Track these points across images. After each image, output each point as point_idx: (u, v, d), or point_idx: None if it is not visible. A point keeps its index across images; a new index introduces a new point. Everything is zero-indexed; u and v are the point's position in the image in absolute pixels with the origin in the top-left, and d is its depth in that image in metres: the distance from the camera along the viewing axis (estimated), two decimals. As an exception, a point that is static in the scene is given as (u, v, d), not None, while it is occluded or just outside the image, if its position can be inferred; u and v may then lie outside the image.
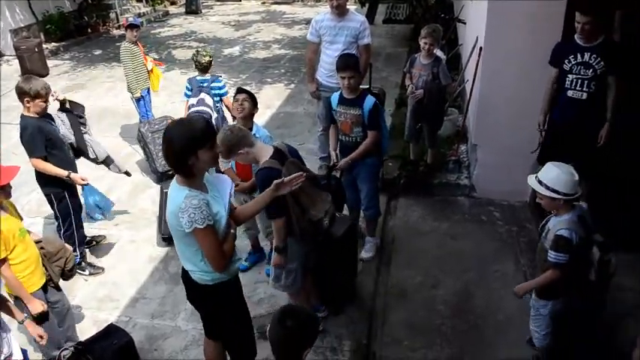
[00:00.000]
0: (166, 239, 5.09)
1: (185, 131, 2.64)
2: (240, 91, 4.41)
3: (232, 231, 2.93)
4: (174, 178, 2.79)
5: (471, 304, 4.25)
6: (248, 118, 4.25)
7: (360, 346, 3.91)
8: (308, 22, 5.83)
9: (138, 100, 6.84)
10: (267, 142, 4.15)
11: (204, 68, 5.68)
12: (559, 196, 3.06)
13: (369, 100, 4.25)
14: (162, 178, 6.05)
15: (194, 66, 5.77)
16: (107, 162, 5.01)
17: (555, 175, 3.06)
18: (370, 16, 12.06)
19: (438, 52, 5.51)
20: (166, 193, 5.22)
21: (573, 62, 4.29)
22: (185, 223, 2.64)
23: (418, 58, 5.36)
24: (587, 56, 4.24)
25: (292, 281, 3.76)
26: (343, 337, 3.98)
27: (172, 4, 18.52)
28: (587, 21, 4.09)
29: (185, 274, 3.04)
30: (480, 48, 5.25)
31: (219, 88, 5.75)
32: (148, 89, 6.98)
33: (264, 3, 18.71)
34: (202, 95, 5.60)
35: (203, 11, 17.20)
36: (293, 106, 8.53)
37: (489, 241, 4.96)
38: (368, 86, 6.32)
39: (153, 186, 6.22)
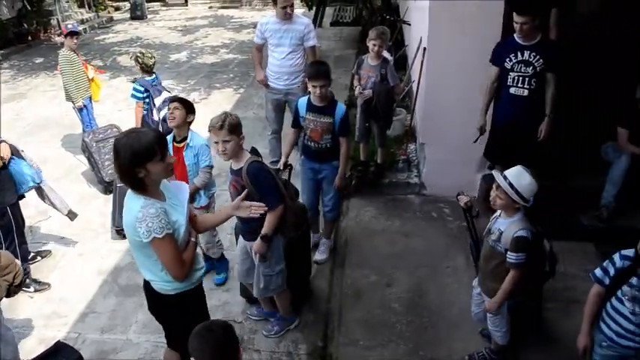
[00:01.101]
0: (120, 232, 5.03)
1: (132, 144, 2.55)
2: (172, 99, 4.30)
3: (193, 239, 2.87)
4: None
5: (424, 300, 4.31)
6: (182, 126, 4.13)
7: (317, 348, 3.91)
8: (256, 25, 5.82)
9: (80, 109, 6.66)
10: (204, 150, 4.12)
11: (150, 69, 5.61)
12: (522, 202, 3.10)
13: (340, 108, 4.30)
14: (108, 189, 5.91)
15: (139, 68, 5.66)
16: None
17: (528, 183, 3.08)
18: (318, 19, 12.10)
19: (385, 54, 5.58)
20: (120, 187, 5.19)
21: (514, 60, 4.41)
22: (143, 233, 2.57)
23: (366, 59, 5.40)
24: (526, 54, 4.36)
25: (281, 283, 3.79)
26: (299, 340, 3.97)
27: (117, 9, 18.15)
28: (525, 20, 4.21)
29: (146, 284, 2.96)
30: (424, 48, 5.35)
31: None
32: (90, 98, 6.80)
33: (211, 7, 18.54)
34: (165, 94, 5.57)
35: (149, 16, 16.91)
36: (243, 111, 8.46)
37: (440, 237, 5.05)
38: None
39: (99, 197, 6.05)
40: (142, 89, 5.54)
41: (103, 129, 6.36)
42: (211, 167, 4.24)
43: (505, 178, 3.11)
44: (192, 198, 4.24)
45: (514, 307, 3.44)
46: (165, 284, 2.85)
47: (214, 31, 14.61)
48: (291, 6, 5.41)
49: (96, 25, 15.76)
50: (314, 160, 4.51)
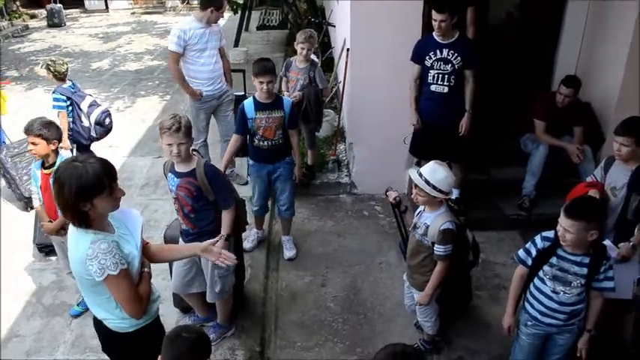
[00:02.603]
0: (43, 249, 4.88)
1: (77, 177, 2.26)
2: (26, 130, 3.90)
3: (147, 269, 2.64)
4: None
5: (359, 297, 4.37)
6: (48, 155, 3.83)
7: (254, 353, 3.86)
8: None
9: (-7, 124, 6.30)
10: None
11: (63, 76, 5.32)
12: (442, 196, 3.18)
13: (287, 101, 4.38)
14: (29, 205, 5.61)
15: (52, 77, 5.35)
16: None
17: (443, 177, 3.15)
18: (244, 23, 12.00)
19: (312, 56, 5.60)
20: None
21: (434, 58, 4.54)
22: (95, 272, 2.32)
23: (294, 62, 5.40)
24: (445, 52, 4.50)
25: (233, 280, 3.80)
26: (236, 347, 3.90)
27: (32, 17, 17.29)
28: (443, 18, 4.34)
29: (98, 323, 2.67)
30: (347, 49, 5.41)
31: None
32: (-2, 112, 6.45)
33: (133, 13, 18.03)
34: (89, 98, 5.33)
35: (67, 24, 16.21)
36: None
37: (372, 235, 5.13)
38: (243, 92, 6.30)
39: (19, 214, 5.74)
40: (64, 97, 5.24)
41: (17, 143, 6.00)
42: None
43: (421, 175, 3.18)
44: (63, 228, 3.78)
45: (443, 296, 3.53)
46: (121, 322, 2.59)
47: (138, 38, 14.21)
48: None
49: (10, 35, 14.96)
50: (268, 161, 4.48)
